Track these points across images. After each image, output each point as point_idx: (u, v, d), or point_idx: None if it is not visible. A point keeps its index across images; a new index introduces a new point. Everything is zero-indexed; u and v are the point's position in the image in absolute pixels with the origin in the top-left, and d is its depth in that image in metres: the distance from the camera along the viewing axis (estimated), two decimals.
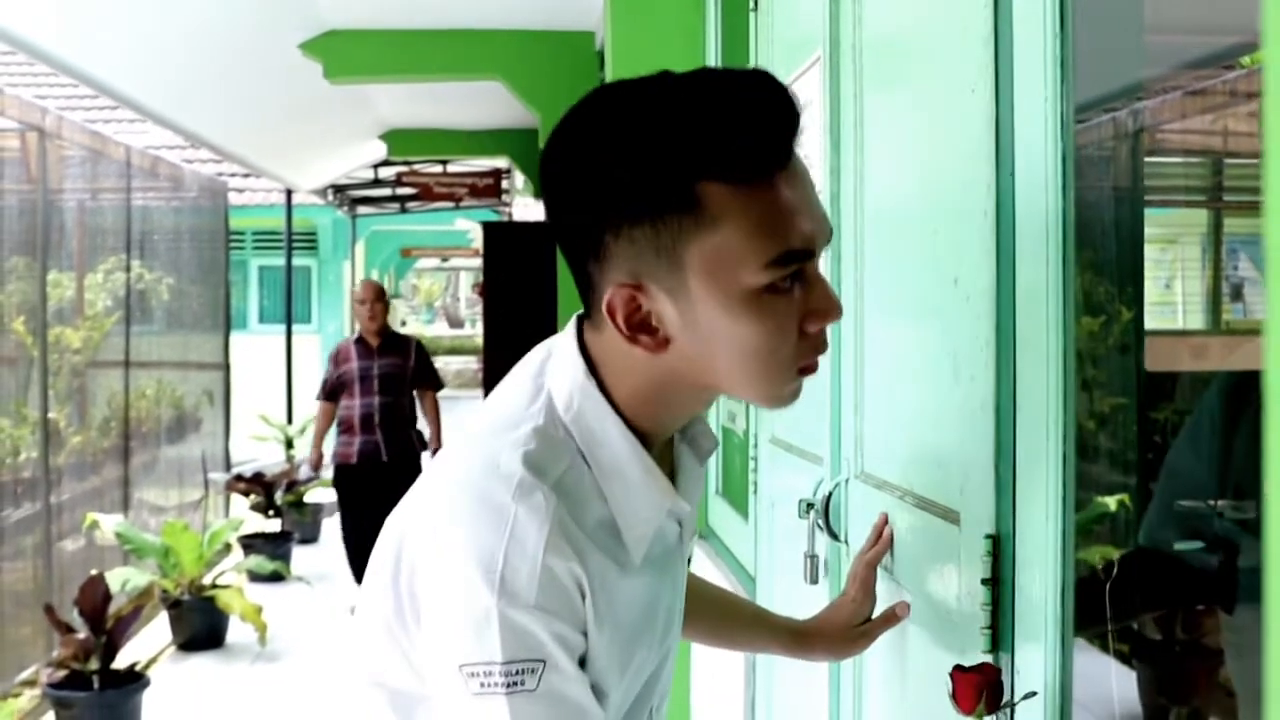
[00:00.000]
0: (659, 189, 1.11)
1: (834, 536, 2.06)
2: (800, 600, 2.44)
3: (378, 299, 6.80)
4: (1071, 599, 1.30)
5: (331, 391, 6.87)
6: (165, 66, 6.60)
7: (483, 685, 1.14)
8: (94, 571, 5.68)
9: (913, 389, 1.76)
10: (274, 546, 8.11)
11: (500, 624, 1.12)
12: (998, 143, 1.42)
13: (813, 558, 2.11)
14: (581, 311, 1.24)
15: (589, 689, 1.18)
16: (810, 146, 2.29)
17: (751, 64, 2.81)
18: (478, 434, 1.24)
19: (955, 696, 1.38)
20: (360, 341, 6.87)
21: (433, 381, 7.13)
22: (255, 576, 7.36)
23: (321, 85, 6.58)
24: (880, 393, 1.92)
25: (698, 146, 1.10)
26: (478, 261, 25.20)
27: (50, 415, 6.74)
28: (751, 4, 2.77)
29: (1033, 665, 1.35)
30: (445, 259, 25.40)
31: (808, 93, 2.32)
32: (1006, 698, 1.38)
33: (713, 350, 1.17)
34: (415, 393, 7.03)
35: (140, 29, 5.94)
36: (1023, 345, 1.38)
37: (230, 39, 6.35)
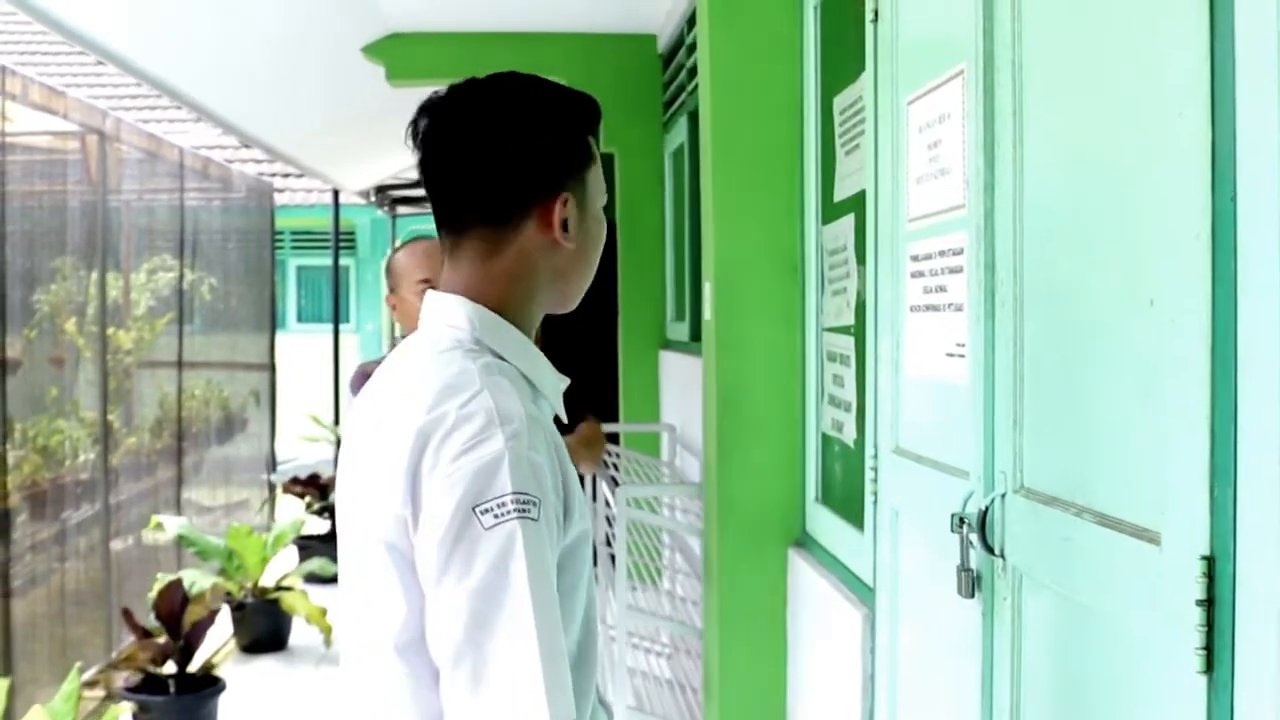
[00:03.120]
0: (574, 141, 1.62)
1: (990, 550, 2.06)
2: (931, 611, 2.45)
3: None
4: None
5: None
6: (225, 68, 6.62)
7: (496, 517, 1.39)
8: (169, 576, 5.72)
9: (1092, 407, 1.76)
10: (331, 548, 8.13)
11: (510, 461, 1.41)
12: (1214, 166, 1.43)
13: (966, 571, 2.12)
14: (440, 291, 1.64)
15: (556, 554, 1.47)
16: (950, 158, 2.29)
17: (870, 75, 2.81)
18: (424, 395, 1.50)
19: None
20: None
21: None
22: (314, 578, 7.38)
23: (378, 87, 6.61)
24: (1046, 409, 1.92)
25: (587, 114, 1.64)
26: None
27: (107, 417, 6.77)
28: (870, 15, 2.77)
29: (1263, 686, 1.35)
30: None
31: (944, 105, 2.32)
32: None
33: (585, 247, 1.65)
34: None
35: (202, 31, 5.97)
36: (1246, 371, 1.38)
37: (293, 42, 6.37)
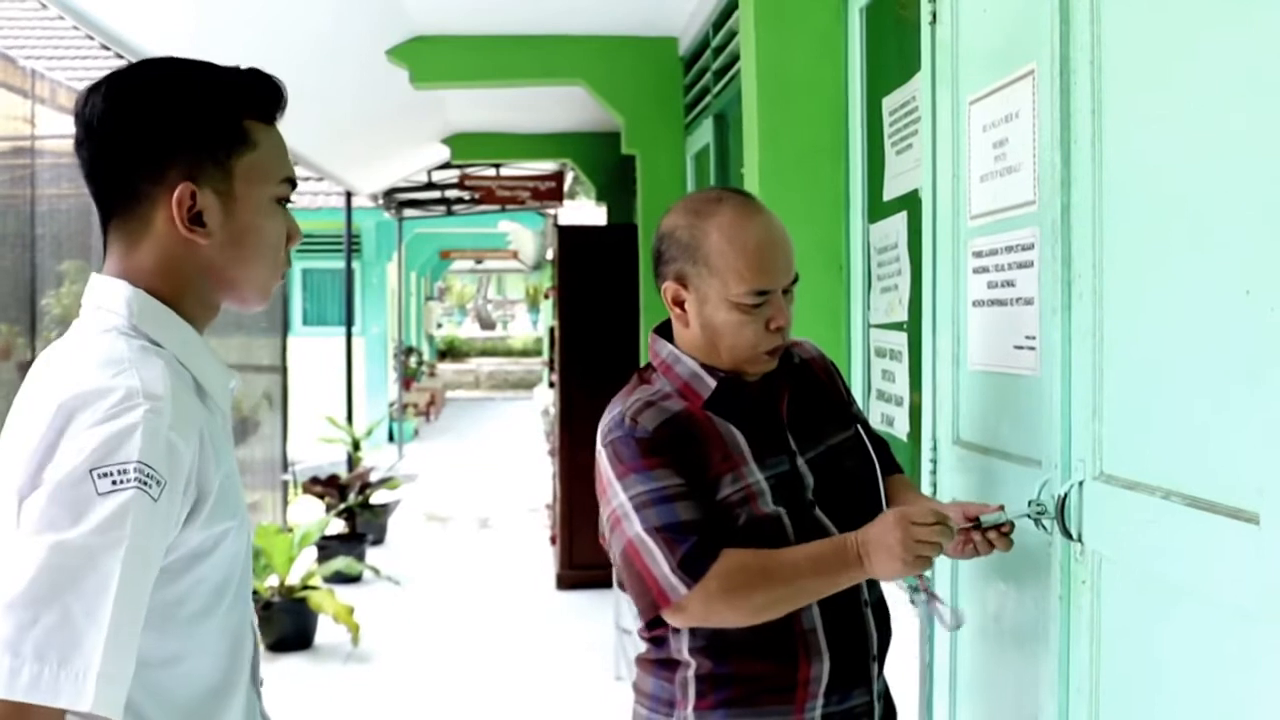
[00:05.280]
0: (222, 120, 1.56)
1: (1068, 536, 2.13)
2: (996, 598, 2.51)
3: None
4: None
5: (699, 553, 2.03)
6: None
7: (115, 483, 1.33)
8: None
9: (1180, 395, 1.82)
10: (349, 547, 8.20)
11: (144, 433, 1.37)
12: None
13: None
14: (106, 269, 1.60)
15: (165, 549, 1.41)
16: (1019, 156, 2.36)
17: (926, 75, 2.88)
18: (72, 372, 1.47)
19: None
20: (732, 387, 2.18)
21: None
22: (341, 577, 7.43)
23: (397, 90, 6.67)
24: (1128, 397, 1.98)
25: (246, 96, 1.59)
26: (513, 264, 25.33)
27: None
28: (928, 18, 2.84)
29: None
30: (479, 261, 25.51)
31: (1012, 104, 2.39)
32: None
33: (241, 241, 1.58)
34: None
35: (232, 36, 6.02)
36: None
37: (321, 46, 6.44)
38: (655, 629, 2.15)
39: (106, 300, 1.55)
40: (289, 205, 1.67)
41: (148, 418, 1.38)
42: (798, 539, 2.11)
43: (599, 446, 2.16)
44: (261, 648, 1.69)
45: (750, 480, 2.11)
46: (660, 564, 2.03)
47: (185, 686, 1.51)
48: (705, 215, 2.17)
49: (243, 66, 1.62)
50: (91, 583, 1.29)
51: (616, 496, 2.09)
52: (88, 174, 1.57)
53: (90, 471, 1.33)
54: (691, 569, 2.01)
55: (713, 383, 2.17)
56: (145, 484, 1.34)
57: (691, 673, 2.13)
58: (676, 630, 2.12)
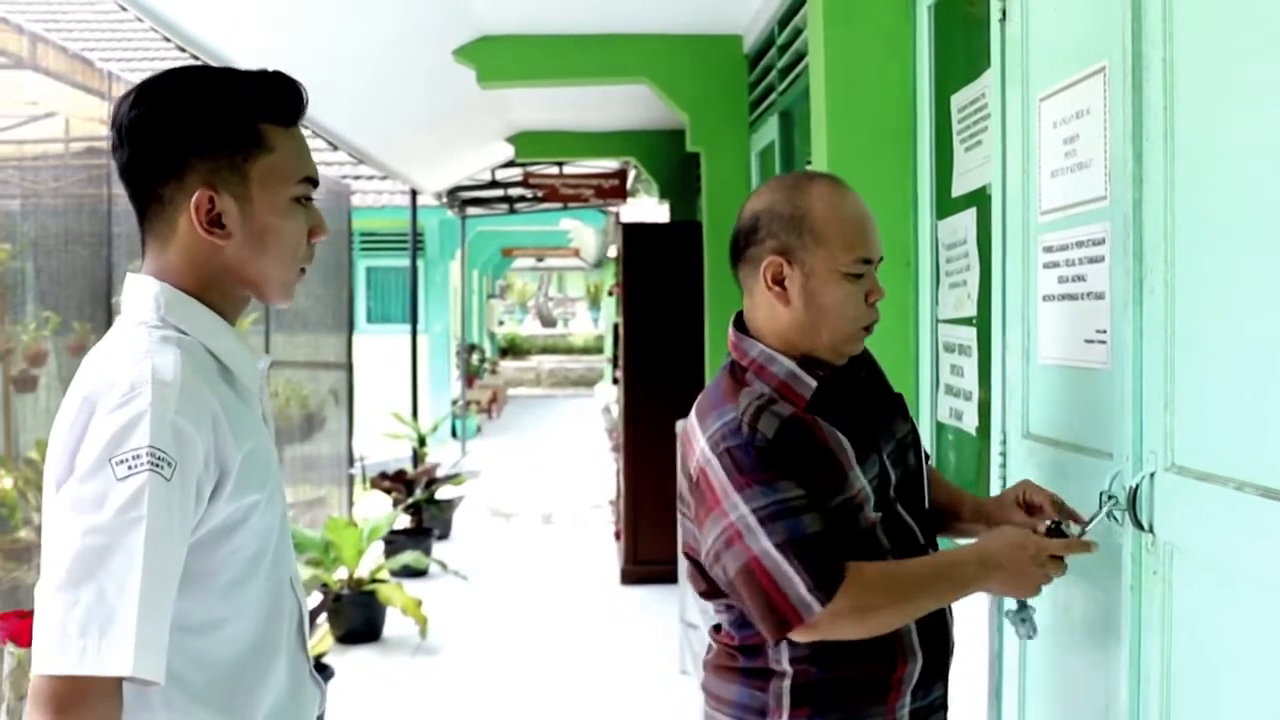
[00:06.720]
0: (237, 126, 1.66)
1: (1140, 527, 2.15)
2: (1065, 587, 2.53)
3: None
4: None
5: (831, 570, 1.99)
6: (328, 73, 6.76)
7: (130, 468, 1.46)
8: None
9: (1253, 387, 1.84)
10: (416, 542, 8.30)
11: (152, 418, 1.48)
12: None
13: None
14: (140, 267, 1.72)
15: (188, 523, 1.53)
16: (1090, 152, 2.38)
17: (996, 73, 2.90)
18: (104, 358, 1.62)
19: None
20: (830, 386, 2.15)
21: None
22: (409, 571, 7.53)
23: (463, 90, 6.74)
24: (1200, 390, 2.00)
25: (261, 101, 1.68)
26: (574, 261, 25.43)
27: None
28: (998, 15, 2.86)
29: None
30: (540, 259, 25.62)
31: (1083, 101, 2.41)
32: None
33: (260, 241, 1.68)
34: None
35: (307, 41, 6.11)
36: None
37: (391, 47, 6.52)
38: (753, 638, 2.11)
39: (138, 296, 1.68)
40: (334, 199, 1.77)
41: (154, 404, 1.50)
42: (890, 542, 2.13)
43: (708, 454, 2.06)
44: (307, 614, 1.81)
45: (858, 486, 2.09)
46: (793, 582, 1.96)
47: (228, 649, 1.63)
48: (803, 190, 2.15)
49: (269, 69, 1.72)
50: (119, 560, 1.43)
51: (736, 509, 2.00)
52: (121, 178, 1.70)
53: (109, 460, 1.47)
54: (826, 586, 1.96)
55: (812, 383, 2.12)
56: (157, 466, 1.47)
57: (788, 683, 2.09)
58: (777, 641, 2.07)
